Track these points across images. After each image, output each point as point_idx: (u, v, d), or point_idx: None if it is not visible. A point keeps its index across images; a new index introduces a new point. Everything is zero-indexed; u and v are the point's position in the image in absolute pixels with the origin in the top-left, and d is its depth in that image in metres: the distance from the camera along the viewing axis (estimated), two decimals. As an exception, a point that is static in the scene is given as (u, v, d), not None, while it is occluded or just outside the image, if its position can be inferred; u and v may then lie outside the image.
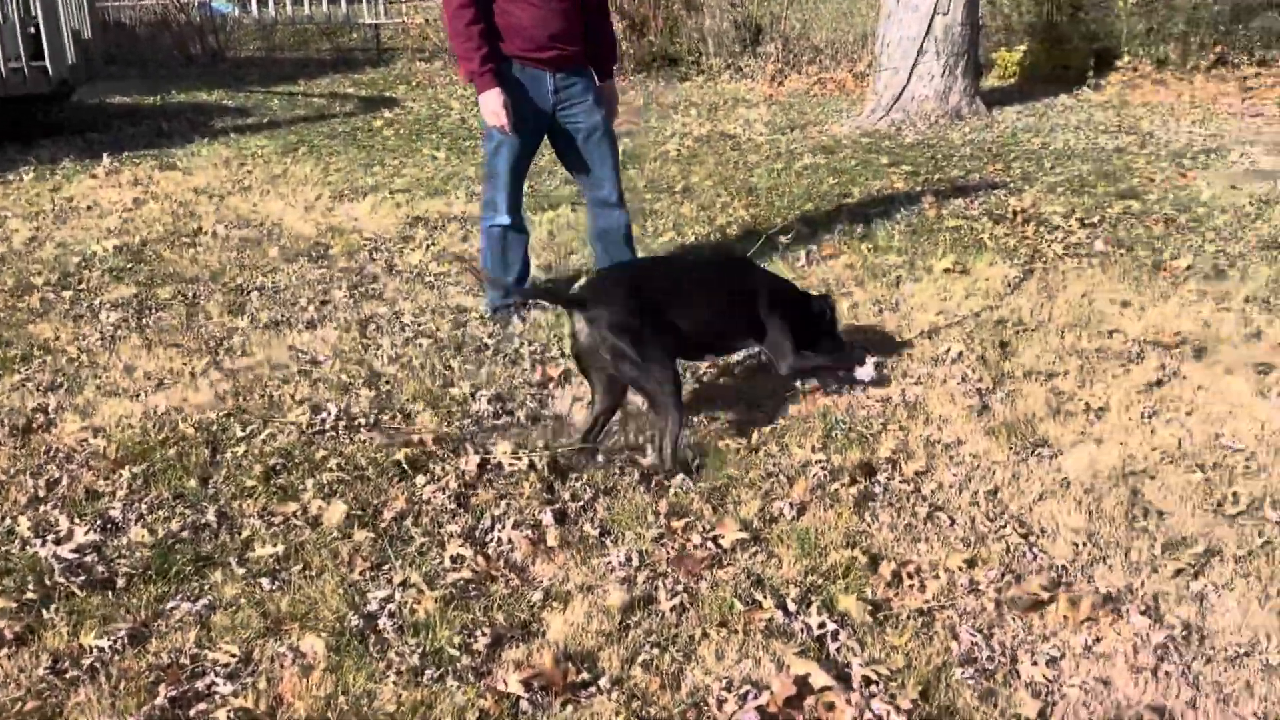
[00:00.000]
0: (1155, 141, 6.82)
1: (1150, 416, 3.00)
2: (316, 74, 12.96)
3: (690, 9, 11.87)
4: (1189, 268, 4.20)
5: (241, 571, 2.38)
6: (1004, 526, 2.49)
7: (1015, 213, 5.18)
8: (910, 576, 2.29)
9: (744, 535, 2.47)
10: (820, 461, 2.82)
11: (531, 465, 2.80)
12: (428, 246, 5.04)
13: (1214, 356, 3.36)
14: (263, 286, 4.47)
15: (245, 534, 2.54)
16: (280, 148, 7.82)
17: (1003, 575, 2.30)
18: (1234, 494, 2.57)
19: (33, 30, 7.93)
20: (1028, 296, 4.01)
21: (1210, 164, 6.09)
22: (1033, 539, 2.44)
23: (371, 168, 6.98)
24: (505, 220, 3.82)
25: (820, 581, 2.30)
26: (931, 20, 7.62)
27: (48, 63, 7.91)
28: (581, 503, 2.67)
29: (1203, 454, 2.77)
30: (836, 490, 2.67)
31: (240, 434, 3.06)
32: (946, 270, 4.33)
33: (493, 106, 3.54)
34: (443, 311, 4.10)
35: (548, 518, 2.57)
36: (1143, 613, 2.15)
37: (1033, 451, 2.85)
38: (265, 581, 2.34)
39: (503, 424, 3.11)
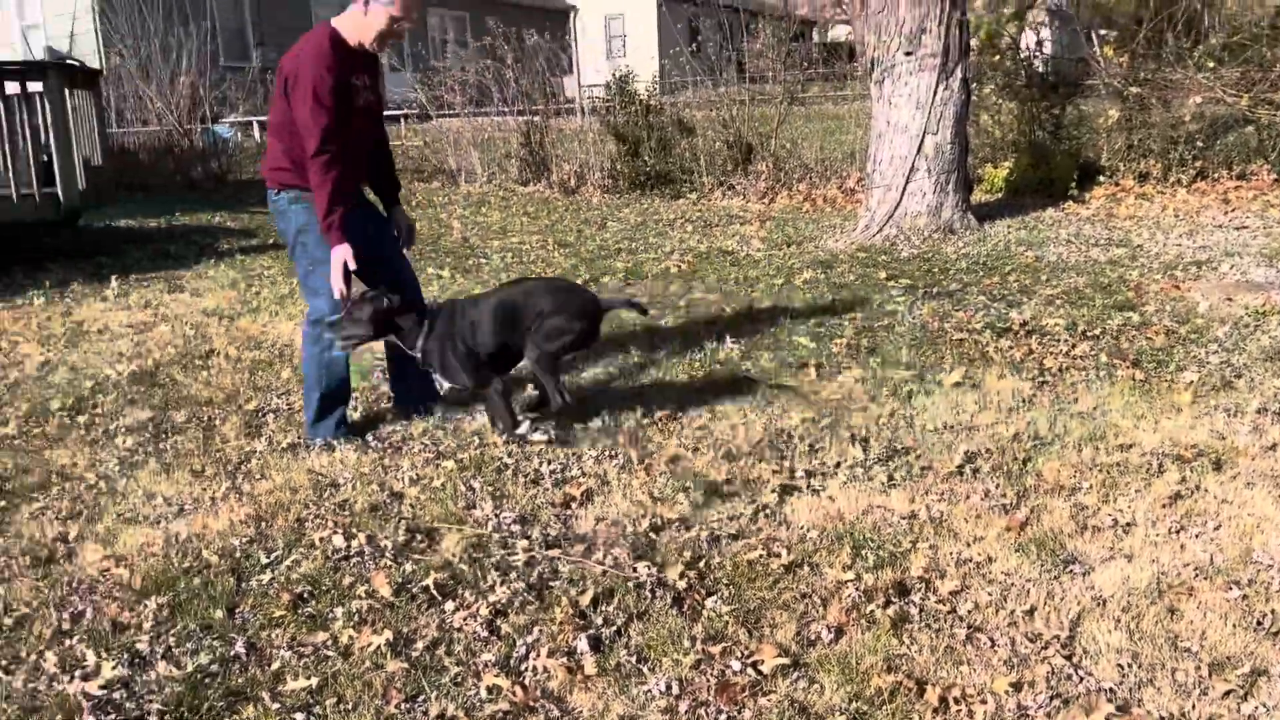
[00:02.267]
0: (1146, 254, 6.99)
1: (1178, 531, 3.00)
2: (317, 195, 13.21)
3: (683, 131, 12.25)
4: (1197, 380, 4.27)
5: (275, 706, 2.33)
6: (1045, 648, 2.46)
7: (1017, 326, 5.28)
8: (957, 702, 2.26)
9: (783, 660, 2.44)
10: (852, 581, 2.81)
11: (546, 586, 2.78)
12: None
13: (1233, 469, 3.39)
14: (278, 409, 4.49)
15: (275, 666, 2.50)
16: (286, 268, 7.93)
17: (1051, 699, 2.27)
18: (1273, 611, 2.56)
19: (45, 158, 8.12)
20: (1041, 410, 4.05)
21: (1202, 275, 6.24)
22: (1076, 660, 2.42)
23: (378, 287, 7.07)
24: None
25: (866, 709, 2.27)
26: (922, 140, 7.88)
27: (59, 189, 8.07)
28: (615, 627, 2.64)
29: (1236, 570, 2.77)
30: (872, 611, 2.65)
31: (265, 561, 3.03)
32: (957, 384, 4.39)
33: (346, 259, 3.72)
34: (461, 431, 4.11)
35: (583, 644, 2.54)
36: (1197, 736, 2.12)
37: (1064, 569, 2.84)
38: (300, 716, 2.30)
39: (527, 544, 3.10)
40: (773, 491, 3.42)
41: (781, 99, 11.63)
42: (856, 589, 2.77)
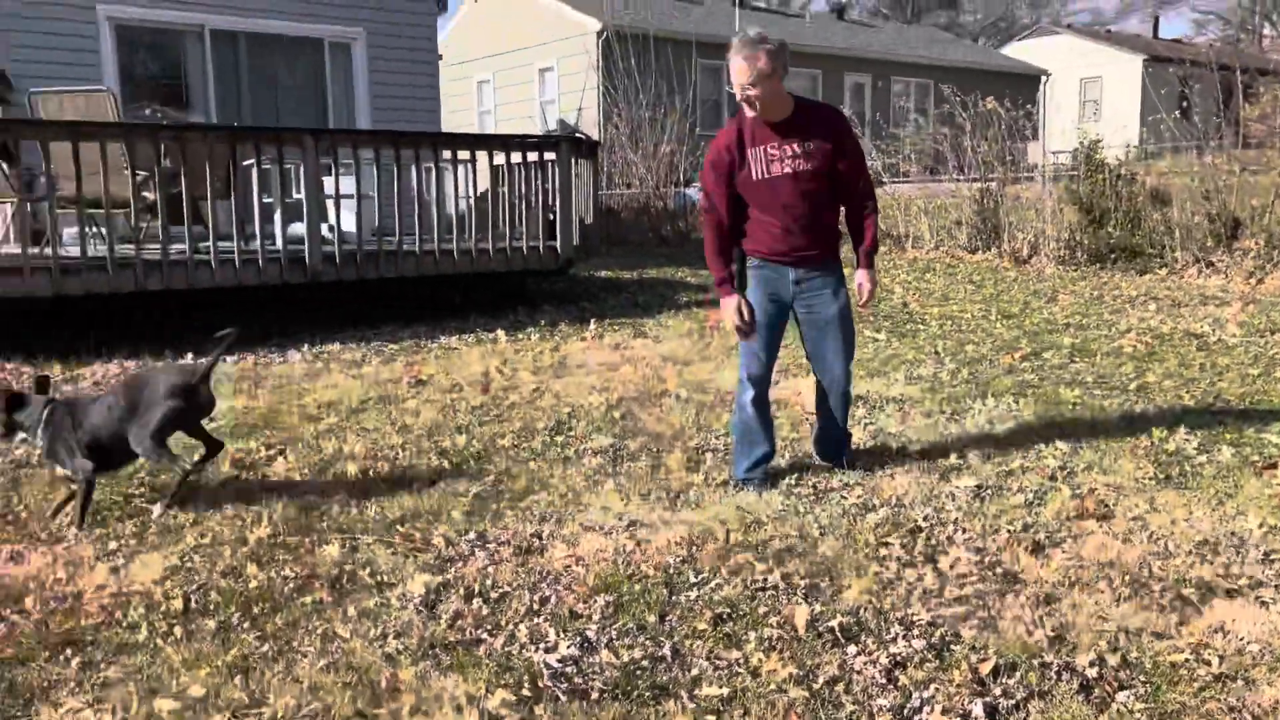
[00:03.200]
0: None
1: None
2: (770, 255, 14.03)
3: (1157, 201, 11.37)
4: None
5: (691, 706, 2.66)
6: None
7: None
8: None
9: (1196, 769, 2.32)
10: (1294, 706, 2.56)
11: (947, 647, 2.84)
12: (865, 425, 5.27)
13: None
14: (715, 448, 4.95)
15: (694, 672, 2.84)
16: (735, 322, 8.58)
17: None
18: None
19: (550, 217, 9.56)
20: None
21: None
22: None
23: (816, 346, 7.43)
24: (750, 390, 4.42)
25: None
26: None
27: (558, 243, 9.45)
28: (1014, 701, 2.65)
29: None
30: (1314, 741, 2.41)
31: (693, 580, 3.42)
32: None
33: (730, 311, 4.25)
34: (879, 491, 4.26)
35: (978, 709, 2.59)
36: None
37: None
38: (710, 718, 2.60)
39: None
40: (1212, 596, 3.18)
41: (1280, 168, 10.39)
42: (1298, 714, 2.52)
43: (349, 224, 8.81)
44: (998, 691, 2.70)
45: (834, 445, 4.60)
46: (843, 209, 4.33)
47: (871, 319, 8.68)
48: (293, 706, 2.68)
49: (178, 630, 3.13)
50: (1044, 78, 30.09)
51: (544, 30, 23.60)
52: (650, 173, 17.70)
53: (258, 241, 7.96)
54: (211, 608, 3.28)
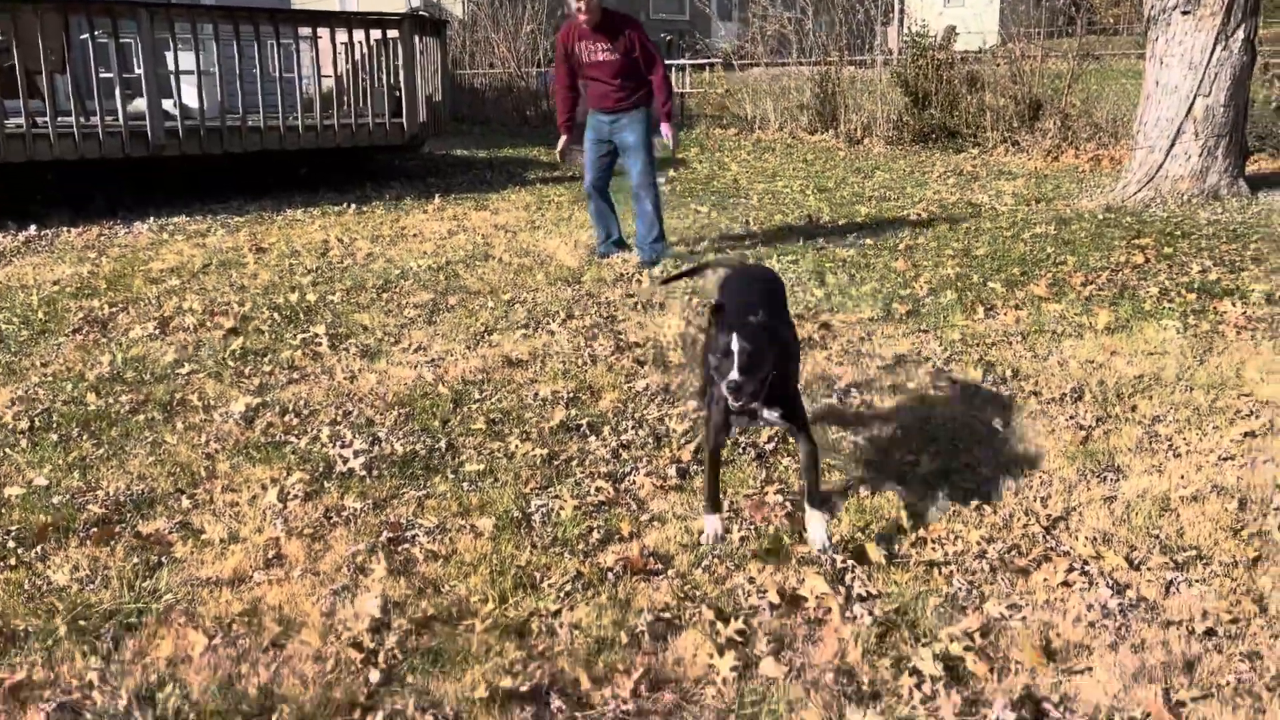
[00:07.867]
0: None
1: (1225, 460, 3.31)
2: (624, 136, 14.52)
3: (971, 86, 12.27)
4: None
5: (453, 477, 3.37)
6: (1033, 522, 2.97)
7: (1222, 290, 5.34)
8: (933, 542, 2.86)
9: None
10: (911, 461, 3.41)
11: (666, 435, 3.61)
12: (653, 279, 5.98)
13: (1327, 420, 3.56)
14: (525, 300, 5.60)
15: (462, 458, 3.54)
16: (573, 197, 9.17)
17: (1009, 549, 2.81)
18: (1262, 530, 2.89)
19: (396, 94, 9.86)
20: (1176, 359, 4.30)
21: None
22: (1055, 532, 2.92)
23: (642, 217, 8.08)
24: (590, 192, 6.63)
25: (858, 536, 2.92)
26: (1192, 102, 7.68)
27: (404, 120, 9.78)
28: (702, 468, 3.43)
29: (1251, 492, 3.08)
30: (921, 475, 3.26)
31: (478, 396, 4.10)
32: (1109, 330, 4.68)
33: (560, 147, 6.64)
34: (648, 326, 5.00)
35: (672, 471, 3.37)
36: (1110, 587, 2.60)
37: (1100, 475, 3.27)
38: (466, 485, 3.31)
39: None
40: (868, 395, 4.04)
41: (1076, 54, 11.37)
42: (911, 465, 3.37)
43: (192, 99, 8.96)
44: (694, 465, 3.47)
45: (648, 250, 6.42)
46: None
47: (700, 195, 9.36)
48: (123, 489, 3.28)
49: (24, 442, 3.66)
50: (906, -37, 30.68)
51: (406, -97, 22.94)
52: (511, 53, 17.81)
53: (98, 116, 8.10)
54: (54, 426, 3.81)
